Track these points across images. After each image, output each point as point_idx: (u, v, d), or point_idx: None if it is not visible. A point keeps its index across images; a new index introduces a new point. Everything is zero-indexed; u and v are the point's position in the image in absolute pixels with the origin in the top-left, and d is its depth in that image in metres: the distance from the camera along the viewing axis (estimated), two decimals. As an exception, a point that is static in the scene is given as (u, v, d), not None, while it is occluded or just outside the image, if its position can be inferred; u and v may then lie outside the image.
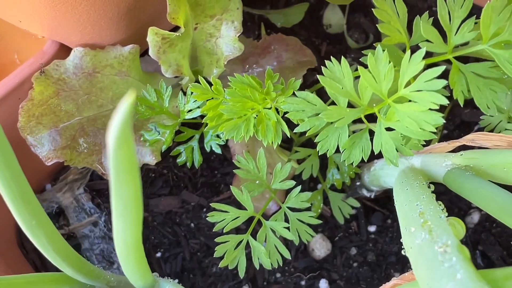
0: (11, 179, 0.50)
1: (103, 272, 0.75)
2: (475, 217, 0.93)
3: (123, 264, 0.58)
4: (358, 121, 0.69)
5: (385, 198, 0.95)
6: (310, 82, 1.01)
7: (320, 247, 0.92)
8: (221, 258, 0.77)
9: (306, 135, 0.68)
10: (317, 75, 0.63)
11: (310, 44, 1.06)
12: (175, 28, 0.79)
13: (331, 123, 0.66)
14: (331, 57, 0.63)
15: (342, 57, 0.63)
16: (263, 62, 0.91)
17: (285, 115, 0.70)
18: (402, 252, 0.64)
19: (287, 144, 0.99)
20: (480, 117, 0.82)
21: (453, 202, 0.95)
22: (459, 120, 1.00)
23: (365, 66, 0.61)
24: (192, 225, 0.94)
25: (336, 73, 0.63)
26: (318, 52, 1.05)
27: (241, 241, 0.78)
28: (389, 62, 0.59)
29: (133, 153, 0.37)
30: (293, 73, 0.89)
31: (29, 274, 0.67)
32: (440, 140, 0.92)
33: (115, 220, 0.48)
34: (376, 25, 0.65)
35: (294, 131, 0.69)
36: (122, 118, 0.33)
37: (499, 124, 0.82)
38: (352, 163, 0.69)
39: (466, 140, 0.73)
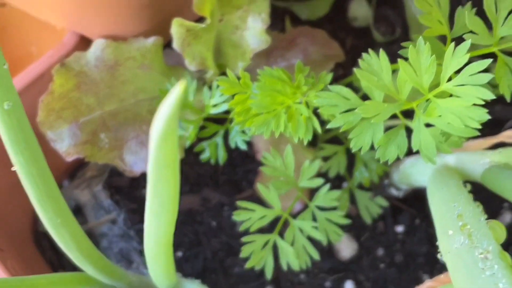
0: (38, 176, 0.48)
1: (125, 272, 0.73)
2: (507, 217, 0.91)
3: (151, 264, 0.56)
4: (391, 117, 0.67)
5: (413, 197, 0.92)
6: (335, 78, 0.98)
7: (345, 247, 0.89)
8: (245, 258, 0.75)
9: (341, 130, 0.65)
10: (354, 69, 0.60)
11: (335, 37, 1.03)
12: (199, 20, 0.76)
13: (365, 119, 0.63)
14: (369, 49, 0.60)
15: (381, 49, 0.60)
16: (289, 55, 0.88)
17: (315, 111, 0.67)
18: (438, 256, 0.61)
19: (312, 141, 0.96)
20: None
21: (482, 202, 0.92)
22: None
23: (405, 59, 0.59)
24: (214, 223, 0.91)
25: (374, 65, 0.60)
26: (343, 46, 1.02)
27: (267, 241, 0.75)
28: (432, 54, 0.57)
29: (177, 148, 0.34)
30: (320, 67, 0.86)
31: (50, 275, 0.65)
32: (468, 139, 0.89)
33: (149, 219, 0.45)
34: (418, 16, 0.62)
35: (327, 127, 0.66)
36: (169, 110, 0.30)
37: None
38: (386, 161, 0.66)
39: (504, 136, 0.71)
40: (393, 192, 0.87)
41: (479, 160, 0.69)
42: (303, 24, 1.01)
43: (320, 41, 0.89)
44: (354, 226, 0.91)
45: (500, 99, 0.95)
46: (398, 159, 0.83)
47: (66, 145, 0.75)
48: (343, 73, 0.99)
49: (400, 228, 0.91)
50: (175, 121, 0.31)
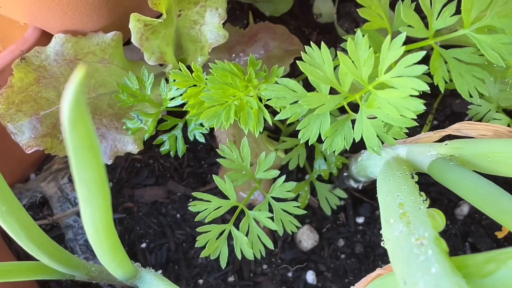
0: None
1: (83, 262, 0.74)
2: (464, 209, 0.92)
3: (97, 251, 0.57)
4: (344, 112, 0.68)
5: (373, 189, 0.93)
6: (299, 72, 0.99)
7: (307, 238, 0.91)
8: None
9: (287, 122, 0.67)
10: (297, 62, 0.62)
11: (300, 33, 1.04)
12: (159, 16, 0.77)
13: (313, 111, 0.65)
14: (311, 42, 0.62)
15: (322, 42, 0.62)
16: (250, 50, 0.89)
17: (268, 103, 0.68)
18: (382, 244, 0.62)
19: (276, 134, 0.97)
20: (468, 107, 0.81)
21: (442, 193, 0.94)
22: (450, 111, 0.98)
23: (346, 52, 0.60)
24: (178, 215, 0.93)
25: (316, 59, 0.62)
26: (307, 42, 1.03)
27: (223, 231, 0.77)
28: (369, 47, 0.58)
29: (91, 130, 0.35)
30: (280, 61, 0.88)
31: (6, 263, 0.66)
32: (430, 131, 0.91)
33: (82, 206, 0.47)
34: (357, 9, 0.64)
35: (275, 119, 0.68)
36: (74, 93, 0.31)
37: (488, 113, 0.80)
38: (335, 152, 0.68)
39: (452, 129, 0.72)
40: (352, 184, 0.88)
41: (427, 152, 0.70)
42: (268, 20, 1.02)
43: (281, 37, 0.90)
44: (316, 218, 0.93)
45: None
46: (356, 152, 0.85)
47: (26, 138, 0.77)
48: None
49: (360, 220, 0.93)
50: (82, 105, 0.33)
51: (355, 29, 1.02)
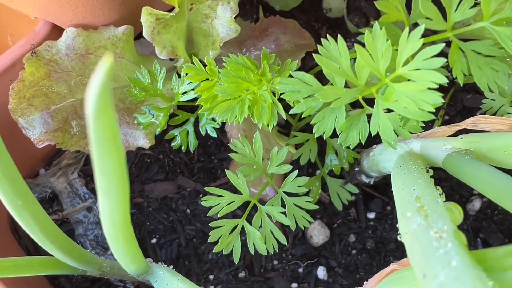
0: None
1: (95, 257, 0.73)
2: (476, 204, 0.92)
3: (112, 245, 0.57)
4: (358, 106, 0.68)
5: (385, 184, 0.93)
6: (309, 67, 0.99)
7: (318, 234, 0.90)
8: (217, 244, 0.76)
9: (302, 116, 0.66)
10: (313, 54, 0.61)
11: (310, 28, 1.04)
12: (171, 9, 0.77)
13: (328, 104, 0.64)
14: (327, 35, 0.61)
15: (339, 35, 0.61)
16: (261, 45, 0.89)
17: (283, 97, 0.68)
18: (398, 237, 0.62)
19: (286, 129, 0.97)
20: (482, 101, 0.80)
21: (454, 189, 0.93)
22: (461, 106, 0.98)
23: (363, 45, 0.60)
24: (188, 211, 0.92)
25: (333, 52, 0.61)
26: (317, 37, 1.03)
27: (236, 226, 0.76)
28: (387, 40, 0.58)
29: (114, 121, 0.35)
30: (291, 56, 0.87)
31: (17, 258, 0.66)
32: (442, 126, 0.90)
33: (101, 198, 0.46)
34: (374, 1, 0.63)
35: (290, 113, 0.67)
36: (100, 83, 0.31)
37: (501, 108, 0.80)
38: (349, 147, 0.67)
39: (467, 123, 0.72)
40: (364, 179, 0.87)
41: (441, 147, 0.70)
42: (278, 14, 1.02)
43: (291, 31, 0.90)
44: (327, 213, 0.92)
45: (472, 88, 0.97)
46: (367, 147, 0.85)
47: (37, 133, 0.76)
48: (316, 63, 0.99)
49: (371, 215, 0.92)
50: (108, 96, 0.32)
51: (368, 23, 1.02)
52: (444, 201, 0.61)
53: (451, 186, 0.94)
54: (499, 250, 0.50)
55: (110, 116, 0.34)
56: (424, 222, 0.56)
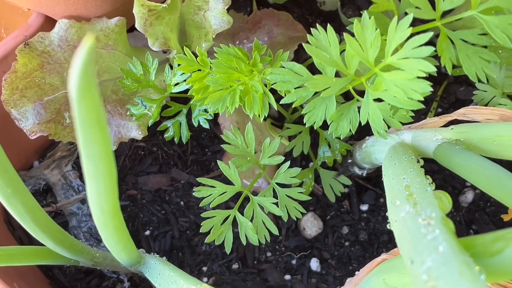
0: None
1: (87, 247, 0.74)
2: (469, 196, 0.92)
3: (102, 233, 0.57)
4: (351, 98, 0.68)
5: (378, 176, 0.93)
6: (303, 60, 0.99)
7: (311, 226, 0.90)
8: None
9: (293, 106, 0.66)
10: (303, 44, 0.62)
11: (304, 21, 1.04)
12: (163, 1, 0.77)
13: (319, 94, 0.65)
14: (317, 25, 0.62)
15: (328, 24, 0.61)
16: (254, 37, 0.89)
17: (274, 87, 0.68)
18: (388, 226, 0.62)
19: (279, 122, 0.97)
20: (473, 92, 0.81)
21: (446, 181, 0.94)
22: (454, 98, 0.98)
23: (352, 35, 0.60)
24: (182, 203, 0.93)
25: (322, 41, 0.62)
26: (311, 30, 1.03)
27: (228, 217, 0.76)
28: (376, 29, 0.58)
29: (99, 103, 0.35)
30: (284, 48, 0.87)
31: (9, 247, 0.66)
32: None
33: (88, 184, 0.46)
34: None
35: (280, 103, 0.68)
36: (82, 63, 0.31)
37: (493, 99, 0.80)
38: (341, 138, 0.68)
39: (458, 114, 0.72)
40: (357, 171, 0.88)
41: (432, 137, 0.70)
42: (272, 7, 1.02)
43: (285, 23, 0.90)
44: (320, 205, 0.93)
45: (465, 80, 0.97)
46: (360, 139, 0.85)
47: (30, 124, 0.77)
48: (309, 56, 1.00)
49: (364, 207, 0.93)
50: (91, 77, 0.32)
51: (361, 12, 1.02)
52: (434, 190, 0.61)
53: (443, 178, 0.94)
54: (487, 236, 0.51)
55: (94, 97, 0.34)
56: (412, 210, 0.56)
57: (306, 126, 0.67)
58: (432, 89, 0.57)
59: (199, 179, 0.75)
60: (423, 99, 0.58)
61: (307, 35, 0.62)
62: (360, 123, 0.68)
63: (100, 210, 0.50)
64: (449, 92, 0.98)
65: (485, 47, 0.62)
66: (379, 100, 0.63)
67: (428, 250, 0.49)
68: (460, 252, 0.48)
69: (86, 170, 0.43)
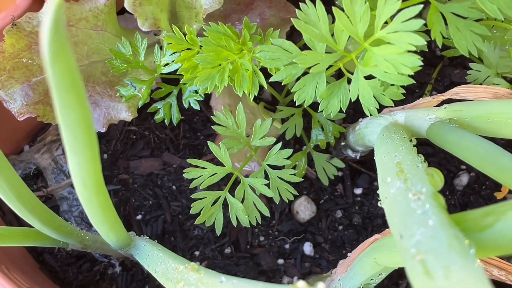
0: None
1: (76, 229, 0.73)
2: (464, 179, 0.91)
3: (87, 211, 0.56)
4: (340, 78, 0.67)
5: (372, 160, 0.92)
6: (295, 43, 0.98)
7: (304, 209, 0.90)
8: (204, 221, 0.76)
9: (282, 83, 0.65)
10: (292, 19, 0.61)
11: (296, 2, 1.02)
12: (153, -19, 0.76)
13: (308, 72, 0.64)
14: (306, 0, 0.61)
15: (317, 0, 0.60)
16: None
17: (263, 65, 0.67)
18: (379, 204, 0.61)
19: (273, 106, 0.96)
20: (467, 72, 0.80)
21: (441, 164, 0.93)
22: (449, 81, 0.97)
23: (342, 9, 0.59)
24: (174, 187, 0.92)
25: (311, 16, 0.61)
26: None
27: (218, 198, 0.76)
28: (365, 2, 0.57)
29: (73, 65, 0.34)
30: (276, 29, 0.86)
31: (-4, 227, 0.65)
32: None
33: (69, 157, 0.45)
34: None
35: (270, 81, 0.67)
36: (52, 21, 0.30)
37: (487, 79, 0.79)
38: (334, 120, 0.67)
39: (451, 93, 0.71)
40: (350, 153, 0.87)
41: (425, 116, 0.69)
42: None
43: (277, 5, 0.89)
44: (313, 189, 0.92)
45: (460, 63, 0.96)
46: (353, 122, 0.84)
47: (18, 105, 0.76)
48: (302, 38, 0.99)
49: (358, 191, 0.92)
50: (63, 37, 0.31)
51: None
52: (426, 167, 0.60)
53: (438, 161, 0.93)
54: (477, 211, 0.50)
55: (68, 59, 0.33)
56: (403, 185, 0.55)
57: (296, 105, 0.66)
58: (422, 63, 0.56)
59: (189, 160, 0.74)
60: (413, 73, 0.57)
61: (296, 10, 0.61)
62: (352, 103, 0.67)
63: (83, 184, 0.49)
64: (444, 75, 0.97)
65: (477, 21, 0.61)
66: (370, 77, 0.62)
67: (417, 224, 0.48)
68: (450, 226, 0.47)
69: (66, 141, 0.42)
